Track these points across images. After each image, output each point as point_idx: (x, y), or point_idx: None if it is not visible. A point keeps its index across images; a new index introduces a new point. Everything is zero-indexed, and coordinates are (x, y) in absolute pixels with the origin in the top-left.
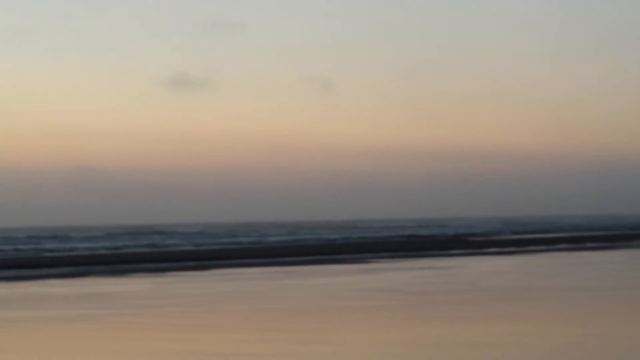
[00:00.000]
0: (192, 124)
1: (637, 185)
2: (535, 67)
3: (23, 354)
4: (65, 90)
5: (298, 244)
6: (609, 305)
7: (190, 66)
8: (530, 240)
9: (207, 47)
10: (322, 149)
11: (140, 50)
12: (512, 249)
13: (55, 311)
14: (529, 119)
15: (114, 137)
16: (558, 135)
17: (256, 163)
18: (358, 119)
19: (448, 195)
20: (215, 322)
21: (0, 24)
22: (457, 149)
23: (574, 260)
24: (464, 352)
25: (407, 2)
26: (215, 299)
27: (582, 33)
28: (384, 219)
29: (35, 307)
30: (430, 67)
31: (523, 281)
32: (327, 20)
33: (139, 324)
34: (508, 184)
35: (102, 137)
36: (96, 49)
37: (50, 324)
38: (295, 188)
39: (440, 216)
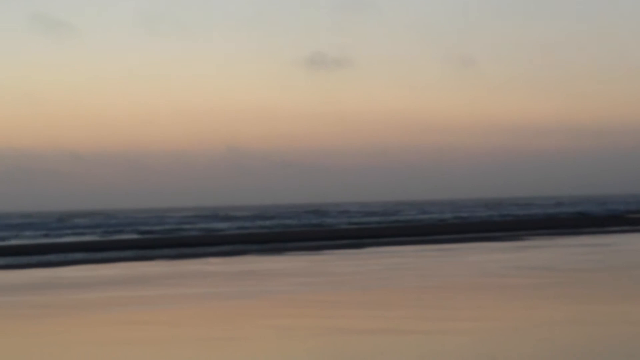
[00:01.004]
0: (331, 103)
1: None
2: None
3: (186, 329)
4: (210, 72)
5: (451, 222)
6: None
7: (327, 46)
8: None
9: (344, 26)
10: (463, 127)
11: (278, 31)
12: None
13: (215, 288)
14: None
15: (258, 118)
16: None
17: (398, 142)
18: (499, 96)
19: (602, 171)
20: (369, 299)
21: (141, 8)
22: (607, 125)
23: None
24: (621, 330)
25: None
26: (370, 277)
27: None
28: (535, 196)
29: (196, 284)
30: (572, 42)
31: None
32: None
33: (296, 301)
34: None
35: (248, 117)
36: (236, 31)
37: (210, 300)
38: (435, 167)
39: (596, 193)
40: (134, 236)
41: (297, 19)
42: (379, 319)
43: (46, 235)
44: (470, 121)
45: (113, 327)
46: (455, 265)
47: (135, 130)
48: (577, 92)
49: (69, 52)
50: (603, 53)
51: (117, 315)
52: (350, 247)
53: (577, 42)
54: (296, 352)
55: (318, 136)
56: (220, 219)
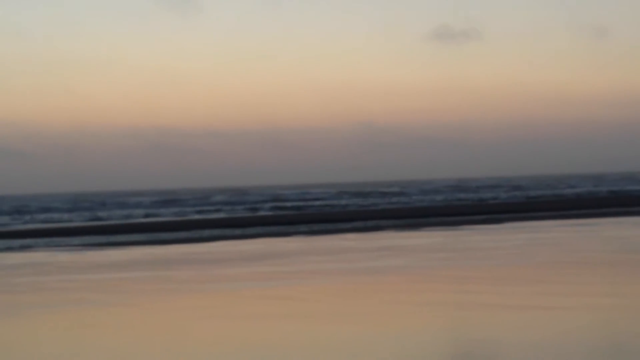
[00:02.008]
0: (460, 77)
1: None
2: None
3: (323, 304)
4: (340, 48)
5: (590, 196)
6: None
7: (453, 18)
8: None
9: None
10: (597, 99)
11: (402, 4)
12: None
13: (352, 264)
14: None
15: (390, 93)
16: None
17: (532, 115)
18: (634, 66)
19: None
20: (507, 274)
21: None
22: None
23: None
24: None
25: None
26: (508, 252)
27: None
28: None
29: (334, 260)
30: None
31: None
32: None
33: (433, 277)
34: None
35: (380, 93)
36: (362, 7)
37: (347, 276)
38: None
39: None
40: (272, 212)
41: None
42: (516, 294)
43: (187, 213)
44: (604, 92)
45: (252, 302)
46: (595, 240)
47: (273, 108)
48: None
49: (206, 31)
50: None
51: (256, 290)
52: (489, 223)
53: None
54: (434, 327)
55: (449, 110)
56: (355, 195)
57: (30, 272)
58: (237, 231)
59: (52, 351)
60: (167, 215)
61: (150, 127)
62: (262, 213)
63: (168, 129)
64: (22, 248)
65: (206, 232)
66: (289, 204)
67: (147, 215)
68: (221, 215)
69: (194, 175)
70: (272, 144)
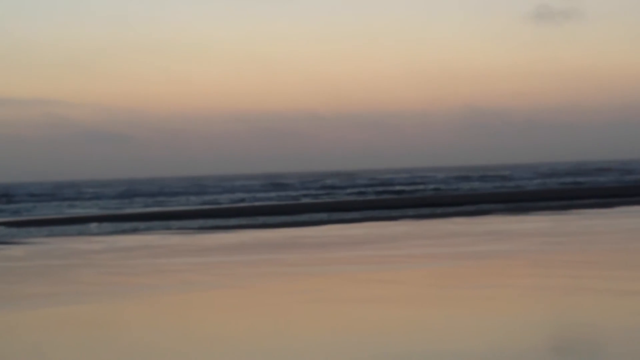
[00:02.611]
0: (559, 58)
1: None
2: None
3: (431, 288)
4: (438, 31)
5: None
6: None
7: None
8: None
9: None
10: None
11: None
12: None
13: (461, 248)
14: None
15: (490, 76)
16: None
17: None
18: None
19: None
20: (615, 259)
21: None
22: None
23: None
24: None
25: None
26: (618, 237)
27: None
28: None
29: (442, 244)
30: None
31: None
32: None
33: (541, 261)
34: None
35: (481, 76)
36: None
37: (455, 260)
38: None
39: None
40: (378, 196)
41: None
42: (625, 279)
43: (294, 196)
44: None
45: (358, 285)
46: None
47: (375, 91)
48: None
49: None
50: None
51: (362, 274)
52: (598, 207)
53: None
54: (543, 312)
55: (550, 93)
56: (462, 179)
57: (144, 254)
58: (344, 215)
59: (164, 332)
60: (275, 199)
61: (256, 111)
62: (369, 197)
63: (273, 113)
64: (134, 231)
65: (314, 216)
66: (396, 188)
67: (255, 199)
68: (328, 199)
69: (299, 159)
70: (375, 127)
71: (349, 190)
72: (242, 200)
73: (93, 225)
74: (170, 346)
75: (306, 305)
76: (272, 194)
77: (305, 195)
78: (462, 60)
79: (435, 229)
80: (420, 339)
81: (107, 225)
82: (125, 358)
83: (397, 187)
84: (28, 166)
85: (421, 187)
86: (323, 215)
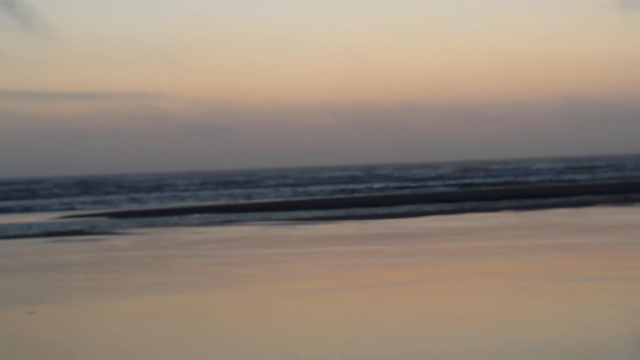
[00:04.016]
0: None
1: None
2: None
3: (530, 280)
4: (528, 21)
5: None
6: None
7: None
8: None
9: None
10: None
11: None
12: None
13: (560, 240)
14: None
15: (586, 65)
16: None
17: None
18: None
19: None
20: None
21: None
22: None
23: None
24: None
25: None
26: None
27: None
28: None
29: (542, 235)
30: None
31: None
32: None
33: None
34: None
35: (576, 65)
36: None
37: (553, 251)
38: None
39: None
40: (474, 188)
41: None
42: None
43: (389, 188)
44: None
45: (460, 276)
46: None
47: (471, 82)
48: None
49: (395, 7)
50: None
51: (464, 265)
52: None
53: None
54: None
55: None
56: (565, 170)
57: (245, 245)
58: (445, 206)
59: (266, 322)
60: (373, 190)
61: (350, 103)
62: (469, 188)
63: (367, 105)
64: (235, 222)
65: (414, 207)
66: (496, 179)
67: (351, 191)
68: (426, 190)
69: (394, 150)
70: (471, 118)
71: (447, 182)
72: (340, 191)
73: (195, 216)
74: (272, 335)
75: (407, 296)
76: (368, 185)
77: (400, 187)
78: (556, 50)
79: (537, 220)
80: (524, 331)
81: (208, 216)
82: (228, 346)
83: (498, 179)
84: (127, 158)
85: (521, 178)
86: (424, 207)
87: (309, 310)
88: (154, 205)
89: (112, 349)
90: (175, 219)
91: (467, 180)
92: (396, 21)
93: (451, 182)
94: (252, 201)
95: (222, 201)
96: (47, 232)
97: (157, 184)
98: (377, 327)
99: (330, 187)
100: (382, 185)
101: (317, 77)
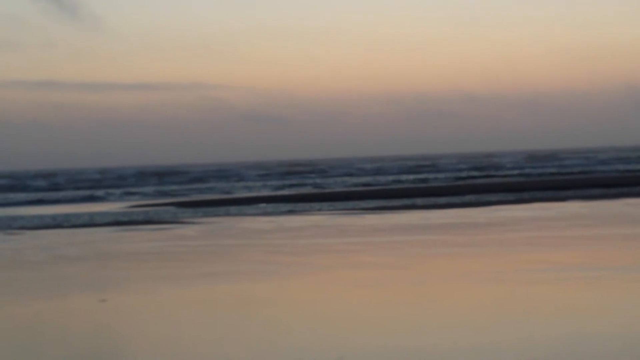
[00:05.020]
0: None
1: None
2: None
3: (600, 271)
4: (576, 9)
5: None
6: None
7: None
8: None
9: None
10: None
11: None
12: None
13: (631, 229)
14: None
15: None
16: None
17: None
18: None
19: None
20: None
21: None
22: None
23: None
24: None
25: None
26: None
27: None
28: None
29: (612, 225)
30: None
31: None
32: None
33: None
34: None
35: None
36: None
37: (626, 241)
38: None
39: None
40: (537, 178)
41: None
42: None
43: (451, 177)
44: None
45: (526, 266)
46: None
47: (528, 70)
48: None
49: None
50: None
51: (531, 255)
52: None
53: None
54: None
55: None
56: (631, 159)
57: (312, 234)
58: (509, 196)
59: (333, 310)
60: (440, 180)
61: (407, 93)
62: (532, 178)
63: (425, 95)
64: (302, 211)
65: (479, 197)
66: (564, 169)
67: (414, 181)
68: (489, 179)
69: (453, 140)
70: (532, 107)
71: (509, 171)
72: (401, 181)
73: (261, 206)
74: (339, 324)
75: (472, 286)
76: (429, 175)
77: (461, 177)
78: (617, 38)
79: (605, 210)
80: (591, 322)
81: (274, 206)
82: (294, 336)
83: (563, 168)
84: (187, 148)
85: (588, 167)
86: (487, 196)
87: (375, 299)
88: (220, 195)
89: (181, 338)
90: (242, 208)
91: (531, 170)
92: (452, 10)
93: (514, 171)
94: (317, 191)
95: (287, 191)
96: (116, 222)
97: (221, 174)
98: (443, 316)
99: (390, 177)
100: (443, 175)
101: (372, 67)
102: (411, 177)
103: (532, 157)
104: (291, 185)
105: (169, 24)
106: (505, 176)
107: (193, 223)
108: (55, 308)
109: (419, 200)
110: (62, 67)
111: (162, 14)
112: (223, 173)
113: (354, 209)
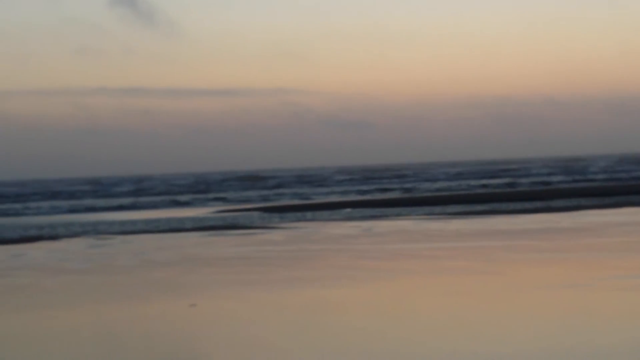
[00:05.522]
0: None
1: None
2: None
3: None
4: None
5: None
6: None
7: None
8: None
9: None
10: None
11: None
12: None
13: None
14: None
15: None
16: None
17: None
18: None
19: None
20: None
21: None
22: None
23: None
24: None
25: None
26: None
27: None
28: None
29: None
30: None
31: None
32: None
33: None
34: None
35: None
36: None
37: None
38: None
39: None
40: (632, 182)
41: None
42: None
43: (535, 182)
44: None
45: (617, 273)
46: None
47: (610, 72)
48: None
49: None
50: None
51: (620, 261)
52: None
53: None
54: None
55: None
56: None
57: (399, 239)
58: (599, 200)
59: (420, 316)
60: (517, 185)
61: (487, 96)
62: (624, 182)
63: (506, 98)
64: (387, 216)
65: (568, 201)
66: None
67: (500, 185)
68: (576, 184)
69: (537, 143)
70: (618, 110)
71: (597, 175)
72: (484, 185)
73: (346, 211)
74: (427, 331)
75: (563, 291)
76: (512, 180)
77: (551, 182)
78: None
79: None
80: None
81: (360, 211)
82: (380, 341)
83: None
84: (269, 153)
85: None
86: (578, 201)
87: (461, 305)
88: (303, 200)
89: (268, 343)
90: (326, 213)
91: (623, 174)
92: (532, 12)
93: (603, 175)
94: (402, 195)
95: (370, 196)
96: (202, 227)
97: (304, 179)
98: (531, 323)
99: (473, 182)
100: (527, 179)
101: (452, 70)
102: (496, 181)
103: (623, 160)
104: (375, 190)
105: (243, 29)
106: (593, 180)
107: (278, 228)
108: (147, 312)
109: (504, 205)
110: (144, 73)
111: (235, 20)
112: (306, 178)
113: (439, 213)
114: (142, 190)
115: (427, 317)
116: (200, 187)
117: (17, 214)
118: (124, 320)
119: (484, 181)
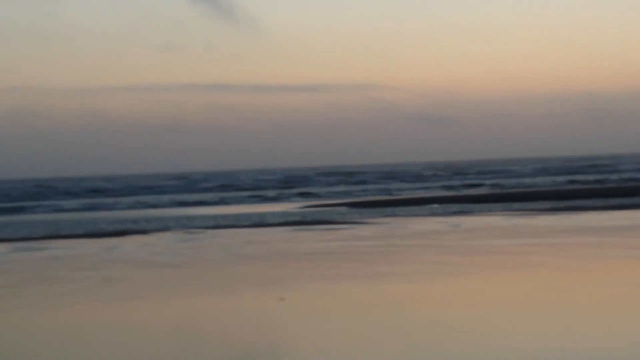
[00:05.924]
0: None
1: None
2: None
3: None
4: None
5: None
6: None
7: None
8: None
9: None
10: None
11: None
12: None
13: None
14: None
15: None
16: None
17: None
18: None
19: None
20: None
21: None
22: None
23: None
24: None
25: None
26: None
27: None
28: None
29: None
30: None
31: None
32: None
33: None
34: None
35: None
36: None
37: None
38: None
39: None
40: None
41: None
42: None
43: (633, 178)
44: None
45: None
46: None
47: None
48: None
49: None
50: None
51: None
52: None
53: None
54: None
55: None
56: None
57: (485, 235)
58: None
59: (505, 309)
60: (606, 181)
61: (574, 91)
62: None
63: (595, 94)
64: (475, 212)
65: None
66: None
67: (593, 181)
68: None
69: (624, 139)
70: None
71: None
72: (573, 181)
73: (433, 206)
74: (515, 325)
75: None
76: (602, 176)
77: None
78: None
79: None
80: None
81: (447, 206)
82: (472, 335)
83: None
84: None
85: None
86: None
87: (549, 301)
88: (390, 196)
89: (357, 337)
90: (413, 209)
91: None
92: (618, 6)
93: None
94: (490, 191)
95: (458, 191)
96: (290, 222)
97: (389, 175)
98: (620, 319)
99: (561, 178)
100: (617, 176)
101: (537, 66)
102: (585, 177)
103: None
104: (461, 186)
105: (322, 25)
106: None
107: (365, 223)
108: (236, 305)
109: (595, 201)
110: (228, 69)
111: (314, 15)
112: (392, 174)
113: (527, 209)
114: (229, 185)
115: (516, 312)
116: (287, 183)
117: (109, 208)
118: (214, 313)
119: (573, 177)
